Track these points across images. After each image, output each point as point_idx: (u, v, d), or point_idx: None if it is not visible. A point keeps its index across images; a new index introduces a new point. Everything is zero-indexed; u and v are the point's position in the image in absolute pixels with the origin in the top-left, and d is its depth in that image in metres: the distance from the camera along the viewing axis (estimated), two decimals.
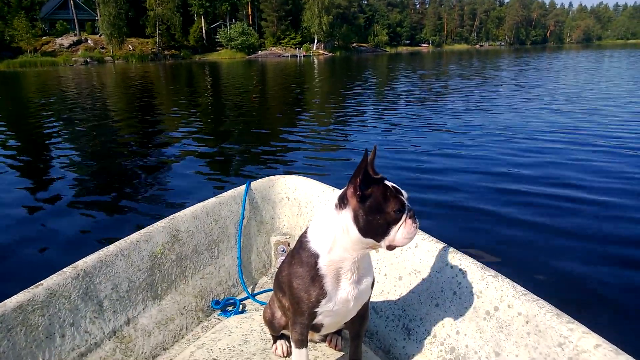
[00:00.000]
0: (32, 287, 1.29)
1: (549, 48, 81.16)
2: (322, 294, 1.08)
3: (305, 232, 1.12)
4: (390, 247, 1.04)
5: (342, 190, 1.05)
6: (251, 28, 61.74)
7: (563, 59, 32.95)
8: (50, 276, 1.35)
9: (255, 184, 2.04)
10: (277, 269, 1.31)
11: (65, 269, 1.38)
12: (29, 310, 1.24)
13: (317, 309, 1.10)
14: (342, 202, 1.03)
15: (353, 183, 1.00)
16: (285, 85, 17.29)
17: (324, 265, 1.07)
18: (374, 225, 1.01)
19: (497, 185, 4.17)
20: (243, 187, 1.99)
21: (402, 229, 1.01)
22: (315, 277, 1.07)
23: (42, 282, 1.32)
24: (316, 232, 1.09)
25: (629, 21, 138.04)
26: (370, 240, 1.03)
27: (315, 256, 1.07)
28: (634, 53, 39.27)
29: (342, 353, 1.40)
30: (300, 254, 1.10)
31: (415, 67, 27.44)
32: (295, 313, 1.13)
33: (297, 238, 1.69)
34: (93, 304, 1.41)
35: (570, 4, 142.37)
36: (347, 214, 1.02)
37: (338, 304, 1.11)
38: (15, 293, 1.25)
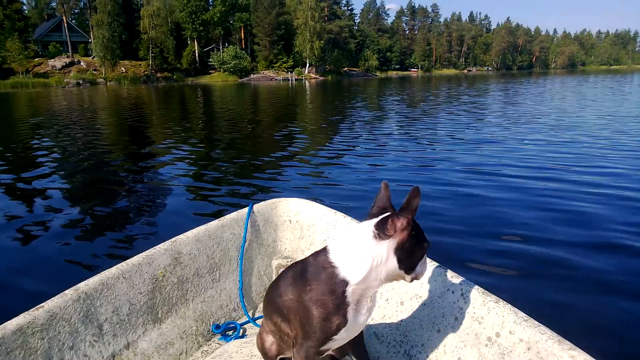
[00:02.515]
0: (32, 309, 1.27)
1: (535, 73, 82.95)
2: (344, 322, 1.06)
3: (325, 257, 1.07)
4: (414, 279, 1.10)
5: (378, 220, 1.06)
6: (244, 52, 62.47)
7: (554, 83, 33.68)
8: (51, 298, 1.33)
9: (257, 207, 2.03)
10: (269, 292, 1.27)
11: (66, 291, 1.37)
12: (29, 333, 1.23)
13: (334, 337, 1.07)
14: (383, 232, 1.03)
15: (406, 217, 1.02)
16: (279, 108, 17.43)
17: (350, 293, 1.05)
18: (414, 258, 1.07)
19: (490, 208, 4.21)
20: (245, 209, 1.98)
21: (425, 262, 1.11)
22: (341, 305, 1.05)
23: (42, 304, 1.30)
24: (345, 259, 1.05)
25: (611, 48, 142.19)
26: (402, 272, 1.07)
27: (344, 284, 1.04)
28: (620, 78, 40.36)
29: None
30: (321, 280, 1.05)
31: (405, 91, 27.85)
32: (306, 339, 1.09)
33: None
34: (93, 327, 1.39)
35: (555, 31, 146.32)
36: (389, 244, 1.03)
37: (353, 330, 1.10)
38: (15, 315, 1.24)
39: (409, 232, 1.04)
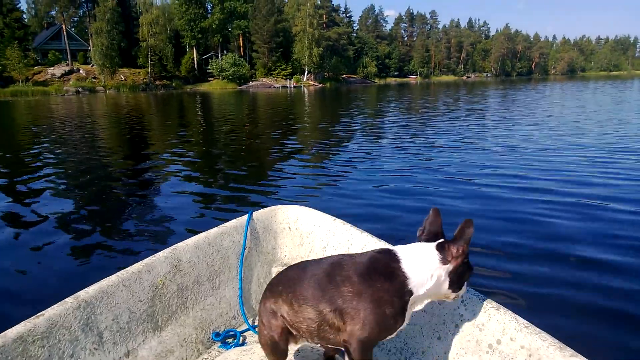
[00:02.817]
0: (33, 317, 1.27)
1: (535, 79, 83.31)
2: (402, 324, 1.19)
3: (398, 265, 1.18)
4: (455, 299, 1.27)
5: (437, 245, 1.20)
6: (242, 59, 62.68)
7: (554, 89, 33.83)
8: (52, 306, 1.33)
9: (257, 214, 2.03)
10: (322, 282, 1.20)
11: (67, 299, 1.37)
12: (29, 341, 1.23)
13: (389, 336, 1.20)
14: (445, 257, 1.18)
15: (462, 246, 1.17)
16: (277, 115, 17.47)
17: (410, 302, 1.19)
18: (462, 281, 1.24)
19: (491, 213, 4.22)
20: (245, 216, 1.98)
21: (466, 285, 1.27)
22: (404, 310, 1.18)
23: (43, 312, 1.30)
24: (416, 273, 1.18)
25: (611, 54, 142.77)
26: (449, 292, 1.23)
27: (410, 293, 1.17)
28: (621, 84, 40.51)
29: None
30: (394, 284, 1.16)
31: (403, 97, 27.93)
32: (366, 333, 1.15)
33: None
34: (93, 335, 1.39)
35: (554, 37, 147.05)
36: (447, 268, 1.19)
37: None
38: (16, 323, 1.24)
39: (463, 259, 1.19)
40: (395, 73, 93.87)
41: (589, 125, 10.85)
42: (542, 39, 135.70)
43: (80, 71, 52.01)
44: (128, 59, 54.88)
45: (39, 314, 1.29)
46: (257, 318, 1.89)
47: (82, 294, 1.41)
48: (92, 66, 52.92)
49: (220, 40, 63.73)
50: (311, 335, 1.23)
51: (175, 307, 1.66)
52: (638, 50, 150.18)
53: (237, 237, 1.93)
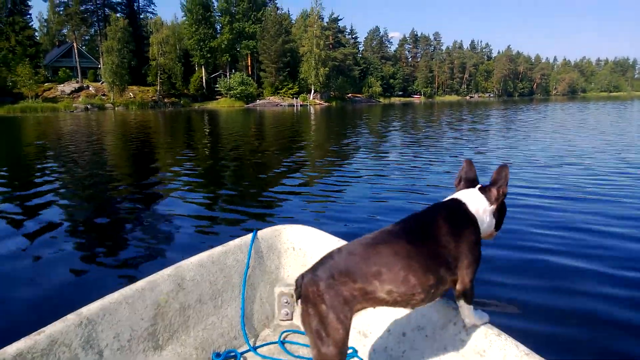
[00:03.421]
0: (33, 334, 1.26)
1: (536, 100, 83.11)
2: None
3: (469, 211, 1.30)
4: (492, 237, 1.42)
5: (480, 188, 1.36)
6: (250, 78, 63.45)
7: (555, 110, 33.80)
8: (53, 323, 1.32)
9: (261, 233, 2.02)
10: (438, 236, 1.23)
11: (68, 316, 1.36)
12: (29, 358, 1.22)
13: None
14: (490, 198, 1.33)
15: (502, 188, 1.33)
16: (284, 133, 17.43)
17: None
18: (502, 219, 1.39)
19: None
20: (249, 235, 1.97)
21: None
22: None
23: (44, 329, 1.29)
24: (479, 216, 1.31)
25: (611, 75, 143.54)
26: (494, 231, 1.39)
27: (479, 233, 1.30)
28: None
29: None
30: (471, 224, 1.28)
31: (408, 116, 27.99)
32: (472, 275, 1.26)
33: None
34: (94, 353, 1.37)
35: (555, 59, 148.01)
36: (493, 209, 1.34)
37: None
38: (16, 339, 1.23)
39: (503, 200, 1.35)
40: (400, 93, 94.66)
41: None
42: (543, 60, 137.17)
43: (90, 88, 52.75)
44: (138, 77, 55.68)
45: (39, 330, 1.28)
46: (258, 339, 1.87)
47: (84, 310, 1.39)
48: (101, 83, 53.69)
49: (229, 59, 64.64)
50: (426, 300, 1.24)
51: (177, 325, 1.63)
52: (637, 71, 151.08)
53: (241, 256, 1.91)
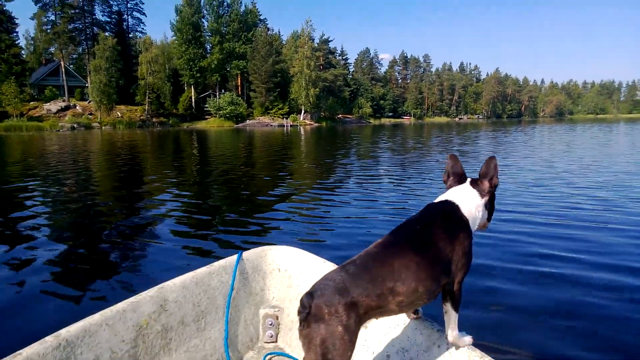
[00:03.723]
0: (9, 356, 1.22)
1: (524, 121, 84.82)
2: None
3: (461, 213, 1.32)
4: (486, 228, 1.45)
5: (471, 182, 1.39)
6: (240, 98, 63.46)
7: (543, 131, 34.07)
8: (31, 345, 1.27)
9: (246, 254, 2.00)
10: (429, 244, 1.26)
11: (46, 338, 1.31)
12: None
13: None
14: (482, 191, 1.37)
15: (493, 179, 1.37)
16: (273, 154, 17.25)
17: None
18: (493, 210, 1.43)
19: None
20: (234, 256, 1.95)
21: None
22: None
23: (20, 351, 1.25)
24: (471, 214, 1.34)
25: (597, 97, 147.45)
26: (487, 222, 1.42)
27: (472, 232, 1.34)
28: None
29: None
30: (463, 228, 1.31)
31: (396, 138, 27.95)
32: (464, 275, 1.31)
33: (286, 311, 1.97)
34: None
35: (543, 81, 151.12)
36: (484, 200, 1.37)
37: None
38: None
39: (494, 191, 1.40)
40: (390, 114, 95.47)
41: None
42: (531, 83, 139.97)
43: (77, 107, 52.21)
44: (126, 96, 55.30)
45: (16, 352, 1.24)
46: None
47: (64, 332, 1.35)
48: (89, 102, 53.21)
49: (219, 79, 64.74)
50: (426, 303, 1.28)
51: (158, 348, 1.58)
52: (622, 94, 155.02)
53: (226, 277, 1.89)
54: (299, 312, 1.13)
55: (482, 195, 1.36)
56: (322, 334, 1.09)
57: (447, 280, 1.26)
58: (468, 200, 1.34)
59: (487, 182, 1.37)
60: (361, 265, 1.17)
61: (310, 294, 1.13)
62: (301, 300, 1.13)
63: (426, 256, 1.22)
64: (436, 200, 1.39)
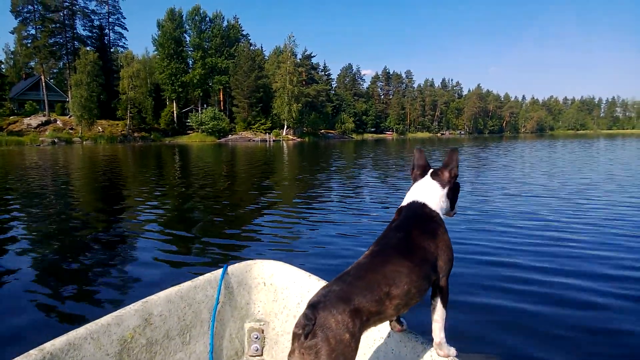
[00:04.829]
0: None
1: (506, 137, 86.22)
2: None
3: (430, 210, 1.40)
4: (453, 215, 1.55)
5: (432, 173, 1.47)
6: (222, 113, 63.50)
7: (524, 147, 34.85)
8: (14, 359, 1.28)
9: (232, 268, 2.01)
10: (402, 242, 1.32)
11: (31, 351, 1.32)
12: None
13: None
14: (442, 182, 1.45)
15: (453, 170, 1.45)
16: (255, 169, 17.34)
17: None
18: (456, 198, 1.51)
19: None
20: (220, 270, 1.96)
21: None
22: None
23: None
24: (438, 207, 1.42)
25: (578, 113, 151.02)
26: (451, 211, 1.51)
27: (442, 220, 1.42)
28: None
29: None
30: (438, 223, 1.39)
31: (379, 153, 28.33)
32: (448, 272, 1.37)
33: (272, 325, 1.98)
34: None
35: (524, 97, 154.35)
36: (446, 190, 1.46)
37: None
38: None
39: (455, 181, 1.47)
40: (372, 129, 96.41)
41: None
42: (512, 99, 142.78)
43: (58, 122, 51.60)
44: (107, 111, 54.90)
45: None
46: None
47: (48, 346, 1.36)
48: (69, 117, 52.64)
49: (201, 94, 64.75)
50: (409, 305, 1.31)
51: None
52: (602, 110, 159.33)
53: (211, 291, 1.90)
54: (304, 326, 1.12)
55: (442, 186, 1.44)
56: (330, 343, 1.10)
57: (436, 276, 1.32)
58: (431, 194, 1.42)
59: (447, 172, 1.45)
60: (355, 275, 1.21)
61: (313, 306, 1.14)
62: (304, 314, 1.13)
63: (414, 259, 1.27)
64: (404, 203, 1.47)
